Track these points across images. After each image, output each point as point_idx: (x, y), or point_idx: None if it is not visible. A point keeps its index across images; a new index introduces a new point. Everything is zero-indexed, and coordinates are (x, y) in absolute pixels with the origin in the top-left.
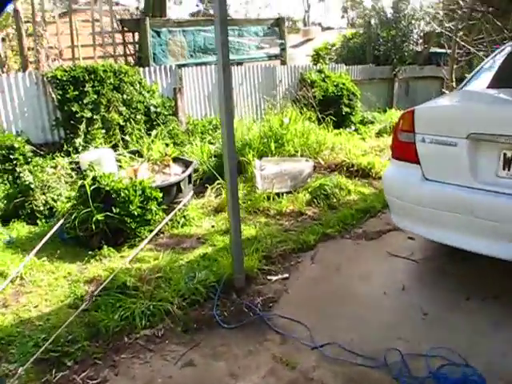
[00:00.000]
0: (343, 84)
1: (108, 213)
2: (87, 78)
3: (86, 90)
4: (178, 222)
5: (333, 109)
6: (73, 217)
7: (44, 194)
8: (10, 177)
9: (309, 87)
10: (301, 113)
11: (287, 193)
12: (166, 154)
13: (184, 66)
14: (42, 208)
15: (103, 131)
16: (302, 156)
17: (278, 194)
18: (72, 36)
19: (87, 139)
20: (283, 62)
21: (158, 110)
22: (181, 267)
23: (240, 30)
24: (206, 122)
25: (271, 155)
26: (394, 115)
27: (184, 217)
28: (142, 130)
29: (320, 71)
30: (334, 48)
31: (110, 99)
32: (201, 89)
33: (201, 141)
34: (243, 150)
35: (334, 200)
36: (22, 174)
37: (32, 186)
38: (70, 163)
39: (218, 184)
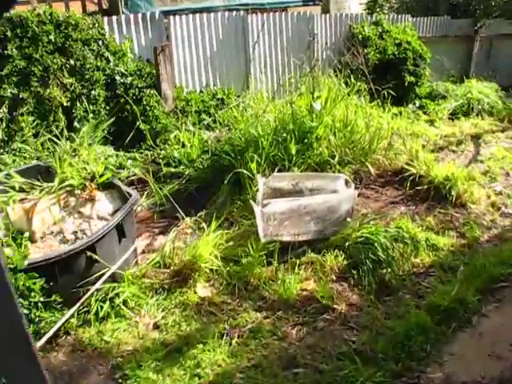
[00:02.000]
0: (408, 43)
1: None
2: (10, 34)
3: (7, 53)
4: (97, 313)
5: (392, 78)
6: None
7: None
8: None
9: (360, 46)
10: (346, 84)
11: (308, 243)
12: (93, 179)
13: (175, 13)
14: None
15: (33, 118)
16: (340, 165)
17: (289, 247)
18: None
19: (10, 132)
20: (325, 10)
21: (129, 80)
22: None
23: None
24: (206, 96)
25: (290, 164)
26: (474, 88)
27: (109, 300)
28: (102, 111)
29: (376, 23)
30: None
31: (47, 67)
32: (200, 47)
33: (195, 124)
34: (245, 152)
35: (389, 270)
36: None
37: None
38: None
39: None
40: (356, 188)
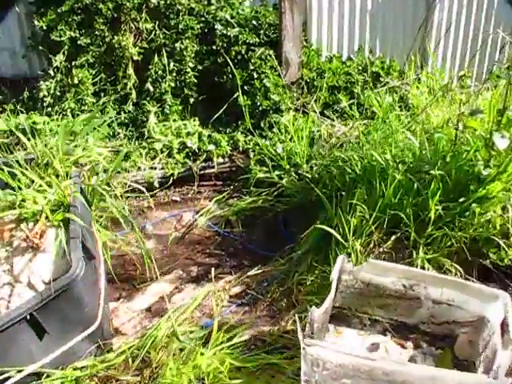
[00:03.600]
0: None
1: None
2: None
3: None
4: None
5: None
6: None
7: None
8: None
9: None
10: None
11: None
12: (59, 207)
13: None
14: None
15: (94, 72)
16: None
17: None
18: None
19: (63, 84)
20: None
21: (234, 32)
22: None
23: None
24: (353, 67)
25: (417, 237)
26: None
27: None
28: (189, 72)
29: None
30: None
31: (120, 5)
32: None
33: (326, 106)
34: (354, 189)
35: None
36: None
37: None
38: None
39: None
40: None
